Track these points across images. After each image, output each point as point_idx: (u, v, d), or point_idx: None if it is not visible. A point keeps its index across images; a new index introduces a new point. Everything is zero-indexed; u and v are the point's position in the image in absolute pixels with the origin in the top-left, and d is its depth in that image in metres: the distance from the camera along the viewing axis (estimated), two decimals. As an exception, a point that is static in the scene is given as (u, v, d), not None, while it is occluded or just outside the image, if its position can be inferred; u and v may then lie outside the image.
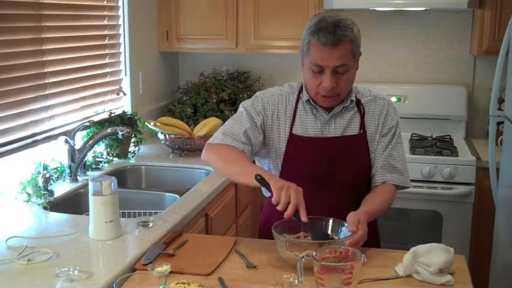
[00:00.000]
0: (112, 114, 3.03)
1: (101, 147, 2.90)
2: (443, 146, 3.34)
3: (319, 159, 1.90)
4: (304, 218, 1.64)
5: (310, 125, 1.92)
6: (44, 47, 2.54)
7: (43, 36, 2.54)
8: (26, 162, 2.43)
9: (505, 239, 2.72)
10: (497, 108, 2.96)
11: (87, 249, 1.82)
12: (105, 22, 3.09)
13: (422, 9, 3.54)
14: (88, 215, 1.92)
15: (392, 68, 3.80)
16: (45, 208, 2.22)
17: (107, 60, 3.11)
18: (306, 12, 3.44)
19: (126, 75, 3.31)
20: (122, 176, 2.85)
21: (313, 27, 1.80)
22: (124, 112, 3.17)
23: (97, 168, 2.78)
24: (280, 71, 3.92)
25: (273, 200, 1.65)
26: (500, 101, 3.18)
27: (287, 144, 1.93)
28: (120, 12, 3.23)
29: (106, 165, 2.84)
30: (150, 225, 2.00)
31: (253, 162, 2.03)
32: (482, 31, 3.28)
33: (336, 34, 1.76)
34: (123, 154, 2.96)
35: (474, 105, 3.69)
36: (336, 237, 1.73)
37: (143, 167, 2.98)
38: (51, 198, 2.29)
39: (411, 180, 2.02)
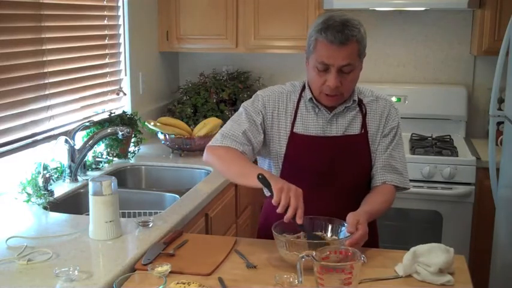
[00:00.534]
0: (112, 114, 3.02)
1: (101, 147, 2.90)
2: (443, 146, 3.34)
3: (320, 158, 1.90)
4: (299, 220, 1.64)
5: (311, 124, 1.92)
6: (44, 47, 2.54)
7: (43, 36, 2.53)
8: (26, 162, 2.43)
9: (505, 239, 2.72)
10: (497, 108, 2.96)
11: (87, 249, 1.82)
12: (105, 22, 3.09)
13: (422, 9, 3.54)
14: (88, 215, 1.92)
15: (392, 68, 3.80)
16: (45, 208, 2.22)
17: (107, 60, 3.11)
18: (306, 12, 3.45)
19: (126, 75, 3.31)
20: (122, 176, 2.85)
21: (320, 25, 1.79)
22: (124, 112, 3.17)
23: (97, 168, 2.78)
24: (280, 71, 3.92)
25: (273, 201, 1.66)
26: (500, 101, 3.18)
27: (288, 142, 1.93)
28: (120, 12, 3.23)
29: (106, 165, 2.84)
30: (150, 225, 2.00)
31: (255, 162, 2.03)
32: (482, 31, 3.28)
33: (344, 33, 1.76)
34: (123, 154, 2.96)
35: (474, 105, 3.69)
36: (324, 235, 1.75)
37: (143, 167, 2.98)
38: (51, 198, 2.29)
39: (411, 180, 2.02)
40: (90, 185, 1.85)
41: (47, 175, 2.35)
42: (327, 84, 1.82)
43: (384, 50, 3.77)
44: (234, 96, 3.71)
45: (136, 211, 2.33)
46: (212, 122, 3.16)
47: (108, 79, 3.13)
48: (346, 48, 1.78)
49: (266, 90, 2.00)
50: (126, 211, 2.32)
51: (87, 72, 2.91)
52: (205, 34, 3.63)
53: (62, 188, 2.47)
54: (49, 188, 2.34)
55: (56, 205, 2.29)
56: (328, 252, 1.52)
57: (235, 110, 2.16)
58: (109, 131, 2.62)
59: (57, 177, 2.54)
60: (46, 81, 2.57)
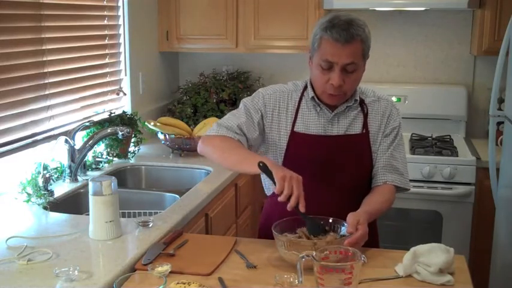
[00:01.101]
0: (112, 114, 3.02)
1: (101, 147, 2.90)
2: (443, 146, 3.34)
3: (320, 157, 1.90)
4: (302, 209, 1.65)
5: (312, 123, 1.92)
6: (44, 47, 2.54)
7: (43, 36, 2.53)
8: (26, 162, 2.43)
9: (505, 239, 2.72)
10: (497, 108, 2.96)
11: (87, 249, 1.82)
12: (105, 22, 3.09)
13: (422, 9, 3.54)
14: (88, 215, 1.92)
15: (392, 68, 3.80)
16: (45, 208, 2.22)
17: (107, 60, 3.11)
18: (306, 12, 3.45)
19: (126, 75, 3.31)
20: (122, 176, 2.85)
21: (326, 24, 1.80)
22: (124, 112, 3.17)
23: (97, 168, 2.78)
24: (280, 71, 3.92)
25: (276, 190, 1.66)
26: (500, 101, 3.18)
27: (288, 141, 1.93)
28: (120, 12, 3.23)
29: (106, 165, 2.84)
30: (150, 225, 2.00)
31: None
32: (482, 31, 3.28)
33: (349, 32, 1.77)
34: (123, 154, 2.96)
35: (474, 105, 3.69)
36: (327, 229, 1.74)
37: (143, 167, 2.98)
38: (51, 198, 2.29)
39: (411, 180, 2.02)
40: (90, 185, 1.85)
41: (47, 175, 2.35)
42: (330, 82, 1.82)
43: (384, 50, 3.77)
44: (234, 96, 3.71)
45: (136, 211, 2.33)
46: (212, 122, 3.15)
47: (108, 79, 3.13)
48: (350, 47, 1.79)
49: (268, 88, 2.00)
50: (126, 211, 2.33)
51: (87, 72, 2.91)
52: (205, 34, 3.63)
53: (62, 188, 2.47)
54: (49, 188, 2.34)
55: (56, 205, 2.29)
56: (328, 252, 1.52)
57: (235, 110, 2.16)
58: (109, 131, 2.62)
59: (57, 177, 2.54)
60: (46, 81, 2.57)
